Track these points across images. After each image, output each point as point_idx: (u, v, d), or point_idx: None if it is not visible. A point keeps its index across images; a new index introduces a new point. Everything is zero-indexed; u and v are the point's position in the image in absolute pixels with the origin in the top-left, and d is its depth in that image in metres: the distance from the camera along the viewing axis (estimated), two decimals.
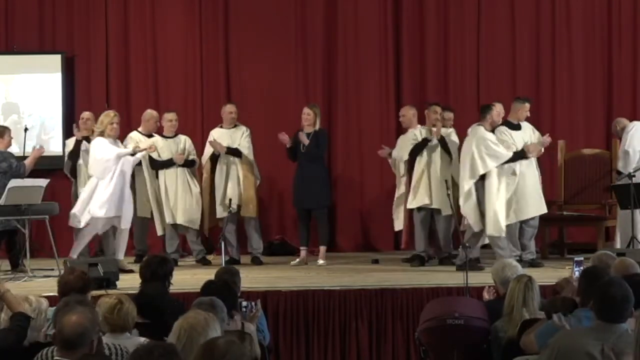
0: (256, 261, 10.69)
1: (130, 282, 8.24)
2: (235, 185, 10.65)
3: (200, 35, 12.24)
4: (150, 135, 10.80)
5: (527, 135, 9.90)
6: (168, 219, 10.64)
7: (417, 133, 10.39)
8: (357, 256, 11.06)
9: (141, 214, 10.72)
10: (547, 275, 8.52)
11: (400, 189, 10.60)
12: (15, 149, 10.91)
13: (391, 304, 8.38)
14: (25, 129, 10.91)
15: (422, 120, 10.66)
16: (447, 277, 9.05)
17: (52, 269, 9.55)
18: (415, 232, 10.34)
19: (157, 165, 10.69)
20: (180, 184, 10.68)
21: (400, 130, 10.96)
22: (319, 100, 11.99)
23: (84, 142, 10.55)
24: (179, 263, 10.44)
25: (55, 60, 12.10)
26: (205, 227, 10.88)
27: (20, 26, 12.19)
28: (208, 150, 10.83)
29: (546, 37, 12.09)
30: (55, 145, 11.87)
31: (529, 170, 9.77)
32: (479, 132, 9.74)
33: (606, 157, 10.89)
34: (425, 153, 10.25)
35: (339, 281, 9.02)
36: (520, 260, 9.42)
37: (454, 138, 10.32)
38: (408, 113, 10.75)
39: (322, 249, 10.57)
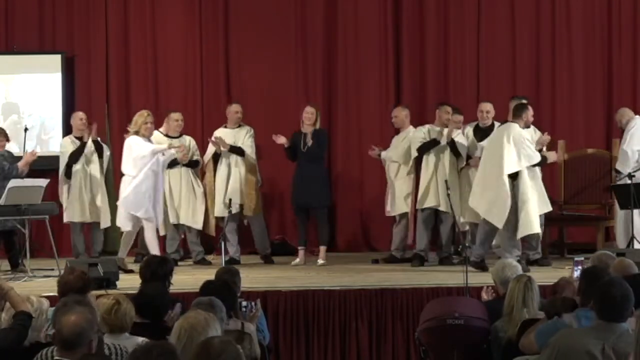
0: (267, 260, 10.69)
1: (130, 282, 8.24)
2: (237, 184, 10.65)
3: (200, 35, 12.24)
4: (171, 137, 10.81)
5: (530, 135, 9.89)
6: (172, 219, 10.65)
7: (425, 132, 10.38)
8: (357, 256, 11.05)
9: None
10: (547, 275, 8.51)
11: (397, 188, 10.59)
12: (15, 149, 10.92)
13: (391, 304, 8.37)
14: (25, 129, 10.90)
15: (424, 120, 10.68)
16: (447, 277, 9.05)
17: (52, 269, 9.55)
18: (418, 231, 10.34)
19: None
20: (184, 184, 10.69)
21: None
22: (319, 100, 12.00)
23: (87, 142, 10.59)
24: (179, 263, 10.43)
25: (55, 60, 12.11)
26: (211, 227, 10.88)
27: (20, 26, 12.19)
28: (211, 149, 10.83)
29: (546, 37, 12.09)
30: (55, 145, 11.85)
31: (534, 170, 9.74)
32: (515, 130, 9.50)
33: (606, 157, 10.89)
34: (433, 154, 10.25)
35: (339, 281, 9.02)
36: (527, 261, 9.50)
37: (462, 140, 10.31)
38: (400, 114, 10.77)
39: (322, 248, 10.57)
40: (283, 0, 12.24)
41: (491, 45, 12.11)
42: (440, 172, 10.21)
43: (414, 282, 8.81)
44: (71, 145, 10.65)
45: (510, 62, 12.11)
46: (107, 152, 10.91)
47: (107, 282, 8.32)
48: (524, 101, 10.05)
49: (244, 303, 6.59)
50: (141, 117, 10.11)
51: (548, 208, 9.84)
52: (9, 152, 10.49)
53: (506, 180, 9.39)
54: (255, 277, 9.24)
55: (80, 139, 10.66)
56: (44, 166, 11.02)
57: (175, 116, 10.91)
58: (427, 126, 10.49)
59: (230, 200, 10.42)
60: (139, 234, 10.58)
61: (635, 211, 9.79)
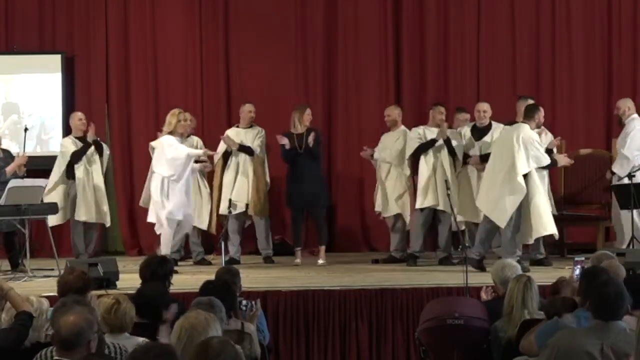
0: (268, 261, 10.70)
1: (130, 282, 8.23)
2: (244, 184, 10.64)
3: (200, 35, 12.24)
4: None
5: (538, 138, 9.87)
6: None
7: (421, 133, 10.39)
8: (357, 256, 11.05)
9: None
10: (547, 275, 8.50)
11: (389, 189, 10.59)
12: (15, 149, 10.91)
13: (391, 304, 8.37)
14: (25, 129, 10.90)
15: (425, 120, 10.69)
16: (447, 277, 9.05)
17: (52, 269, 9.55)
18: (415, 232, 10.34)
19: None
20: (190, 184, 10.68)
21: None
22: (319, 100, 12.02)
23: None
24: (179, 263, 10.43)
25: (55, 60, 12.11)
26: (213, 225, 10.90)
27: (20, 26, 12.19)
28: (221, 147, 10.82)
29: (546, 37, 12.09)
30: (55, 145, 11.85)
31: (542, 172, 9.74)
32: (525, 131, 9.45)
33: (606, 157, 10.88)
34: (431, 154, 10.26)
35: (339, 281, 9.02)
36: (531, 261, 9.51)
37: (457, 139, 10.32)
38: (393, 113, 10.79)
39: (322, 248, 10.59)
40: (283, 0, 12.24)
41: (491, 45, 12.11)
42: (439, 172, 10.22)
43: (414, 282, 8.80)
44: (72, 145, 10.65)
45: (510, 62, 12.11)
46: (106, 152, 10.91)
47: (107, 282, 8.32)
48: (531, 101, 10.03)
49: (244, 302, 6.60)
50: (174, 116, 9.97)
51: (552, 210, 9.86)
52: (8, 151, 10.49)
53: (522, 181, 9.36)
54: (255, 277, 9.24)
55: (80, 139, 10.66)
56: (44, 166, 11.02)
57: (184, 116, 10.89)
58: (421, 127, 10.49)
59: (230, 200, 10.42)
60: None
61: (635, 211, 9.78)
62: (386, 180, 10.71)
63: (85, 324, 4.30)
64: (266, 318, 7.20)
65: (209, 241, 11.05)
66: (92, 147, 10.63)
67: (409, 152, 10.41)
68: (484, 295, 7.01)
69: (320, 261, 10.45)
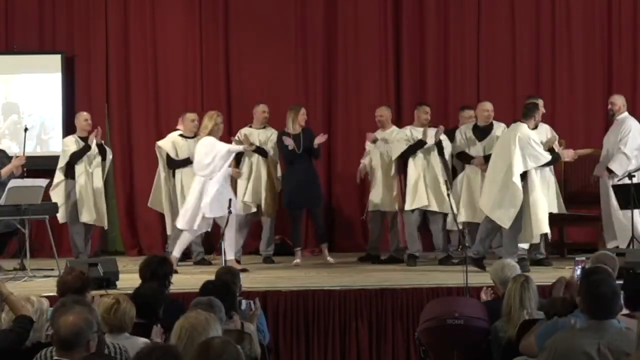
0: (268, 261, 10.70)
1: (130, 282, 8.23)
2: (258, 185, 10.64)
3: (200, 35, 12.24)
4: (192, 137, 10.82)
5: (544, 136, 9.85)
6: None
7: (408, 134, 10.39)
8: (357, 256, 11.04)
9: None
10: (547, 275, 8.51)
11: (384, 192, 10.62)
12: (15, 149, 10.92)
13: (391, 304, 8.37)
14: (25, 129, 10.90)
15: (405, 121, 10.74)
16: (447, 277, 9.05)
17: (52, 269, 9.55)
18: (410, 233, 10.34)
19: (174, 164, 10.71)
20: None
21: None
22: (319, 100, 12.03)
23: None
24: (179, 263, 10.42)
25: (55, 60, 12.11)
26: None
27: (20, 26, 12.19)
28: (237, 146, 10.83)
29: (546, 37, 12.09)
30: (55, 145, 11.87)
31: (544, 171, 9.76)
32: (522, 130, 9.47)
33: None
34: (420, 155, 10.27)
35: (339, 281, 9.02)
36: (531, 261, 9.53)
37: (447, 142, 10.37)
38: (385, 113, 10.84)
39: (325, 246, 10.66)
40: (283, 0, 12.24)
41: (491, 45, 12.12)
42: (429, 173, 10.23)
43: (414, 282, 8.81)
44: (74, 144, 10.65)
45: (510, 62, 12.11)
46: (109, 156, 10.91)
47: (107, 282, 8.33)
48: (533, 100, 10.03)
49: (244, 302, 6.60)
50: (211, 119, 9.90)
51: (562, 209, 9.87)
52: (3, 152, 10.49)
53: (517, 181, 9.37)
54: (255, 277, 9.25)
55: (83, 139, 10.65)
56: (44, 166, 11.02)
57: (191, 116, 10.90)
58: (408, 127, 10.50)
59: (230, 200, 10.41)
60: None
61: (625, 211, 9.78)
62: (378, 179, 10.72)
63: (84, 323, 4.30)
64: (266, 318, 7.20)
65: (209, 241, 11.03)
66: (95, 150, 10.63)
67: (395, 153, 10.40)
68: (483, 296, 7.01)
69: (330, 259, 10.50)
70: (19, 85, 12.25)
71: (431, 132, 10.31)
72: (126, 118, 12.25)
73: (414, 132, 10.38)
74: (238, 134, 10.76)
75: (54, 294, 6.18)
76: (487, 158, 10.06)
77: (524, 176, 9.44)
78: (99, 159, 10.68)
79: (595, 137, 11.81)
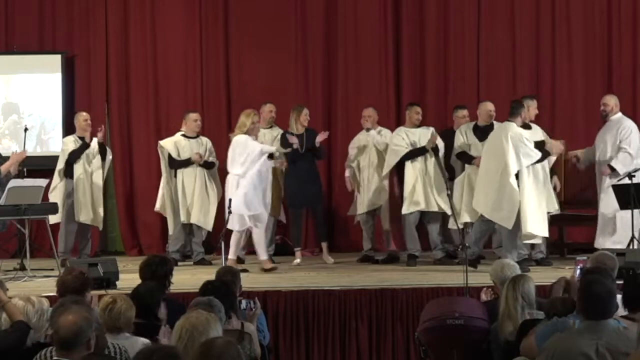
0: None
1: (130, 282, 8.22)
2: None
3: (200, 35, 12.24)
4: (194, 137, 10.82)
5: (538, 137, 9.85)
6: (182, 218, 10.65)
7: (404, 136, 10.38)
8: (357, 256, 11.03)
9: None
10: (547, 275, 8.52)
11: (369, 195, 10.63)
12: (15, 149, 10.91)
13: (391, 304, 8.37)
14: (25, 129, 10.91)
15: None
16: (447, 277, 9.05)
17: (52, 269, 9.55)
18: (409, 233, 10.35)
19: (175, 164, 10.71)
20: (198, 184, 10.69)
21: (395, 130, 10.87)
22: (319, 100, 12.02)
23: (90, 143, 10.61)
24: (179, 263, 10.44)
25: (55, 60, 12.11)
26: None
27: (20, 26, 12.19)
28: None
29: (546, 37, 12.09)
30: (55, 145, 11.87)
31: (537, 169, 9.76)
32: (512, 129, 9.52)
33: None
34: (418, 158, 10.29)
35: (339, 281, 9.02)
36: (535, 260, 9.54)
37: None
38: (373, 114, 10.82)
39: (325, 245, 10.69)
40: (283, 0, 12.24)
41: (491, 45, 12.12)
42: (427, 174, 10.26)
43: (414, 282, 8.81)
44: (73, 144, 10.66)
45: (510, 62, 12.11)
46: (109, 156, 10.91)
47: (107, 282, 8.32)
48: (530, 99, 10.04)
49: (243, 302, 6.59)
50: (248, 117, 9.86)
51: (554, 208, 9.86)
52: None
53: (514, 181, 9.38)
54: (255, 277, 9.25)
55: (82, 139, 10.66)
56: (44, 166, 11.03)
57: (194, 116, 10.90)
58: (402, 129, 10.50)
59: (230, 200, 10.42)
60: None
61: (624, 211, 9.78)
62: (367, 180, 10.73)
63: (84, 322, 4.30)
64: (266, 318, 7.21)
65: (209, 241, 11.04)
66: (95, 149, 10.63)
67: (393, 159, 10.38)
68: (484, 297, 7.01)
69: (329, 259, 10.53)
70: (19, 85, 12.25)
71: (426, 132, 10.31)
72: (126, 118, 12.25)
73: (410, 135, 10.38)
74: None
75: (54, 294, 6.19)
76: None
77: (517, 175, 9.46)
78: (98, 158, 10.68)
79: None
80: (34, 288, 8.33)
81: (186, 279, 8.89)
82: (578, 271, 6.85)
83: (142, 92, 12.23)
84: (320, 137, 10.49)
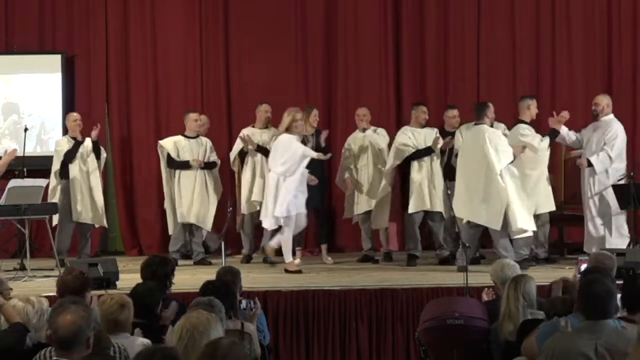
0: (268, 261, 10.70)
1: (130, 282, 8.22)
2: (261, 185, 10.63)
3: (200, 35, 12.24)
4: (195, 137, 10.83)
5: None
6: (180, 218, 10.65)
7: (410, 136, 10.38)
8: (357, 256, 11.04)
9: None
10: (547, 275, 8.51)
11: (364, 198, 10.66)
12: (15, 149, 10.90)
13: (391, 304, 8.38)
14: (25, 129, 10.91)
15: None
16: (447, 277, 9.05)
17: (52, 269, 9.55)
18: (413, 233, 10.35)
19: (174, 165, 10.71)
20: (198, 185, 10.69)
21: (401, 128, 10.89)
22: (319, 100, 12.01)
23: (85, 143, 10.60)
24: (179, 263, 10.43)
25: (55, 60, 12.11)
26: (237, 224, 10.94)
27: (20, 26, 12.19)
28: (237, 146, 10.82)
29: (546, 37, 12.09)
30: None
31: (537, 168, 9.80)
32: (489, 130, 9.65)
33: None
34: (425, 158, 10.29)
35: (339, 281, 9.03)
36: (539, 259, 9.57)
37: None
38: (368, 113, 10.83)
39: (325, 247, 10.68)
40: (283, 0, 12.24)
41: (491, 45, 12.12)
42: (433, 175, 10.27)
43: (414, 282, 8.81)
44: (67, 144, 10.67)
45: (510, 62, 12.11)
46: (104, 154, 10.91)
47: (107, 282, 8.33)
48: (530, 99, 10.09)
49: (243, 302, 6.59)
50: (289, 116, 9.82)
51: (551, 207, 9.88)
52: None
53: (500, 179, 9.43)
54: (255, 277, 9.25)
55: (75, 138, 10.66)
56: (44, 166, 11.02)
57: (194, 116, 10.90)
58: (408, 129, 10.50)
59: (230, 200, 10.43)
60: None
61: (613, 203, 9.80)
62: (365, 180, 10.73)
63: (83, 322, 4.30)
64: (266, 318, 7.21)
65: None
66: (89, 147, 10.62)
67: (398, 154, 10.38)
68: (485, 297, 7.02)
69: (329, 259, 10.54)
70: (19, 85, 12.25)
71: (431, 133, 10.33)
72: (126, 118, 12.25)
73: (416, 135, 10.39)
74: (241, 133, 10.77)
75: (54, 294, 6.19)
76: None
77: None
78: (93, 157, 10.67)
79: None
80: (34, 288, 8.33)
81: (186, 279, 8.89)
82: (579, 271, 6.85)
83: (142, 92, 12.23)
84: (323, 136, 10.52)
